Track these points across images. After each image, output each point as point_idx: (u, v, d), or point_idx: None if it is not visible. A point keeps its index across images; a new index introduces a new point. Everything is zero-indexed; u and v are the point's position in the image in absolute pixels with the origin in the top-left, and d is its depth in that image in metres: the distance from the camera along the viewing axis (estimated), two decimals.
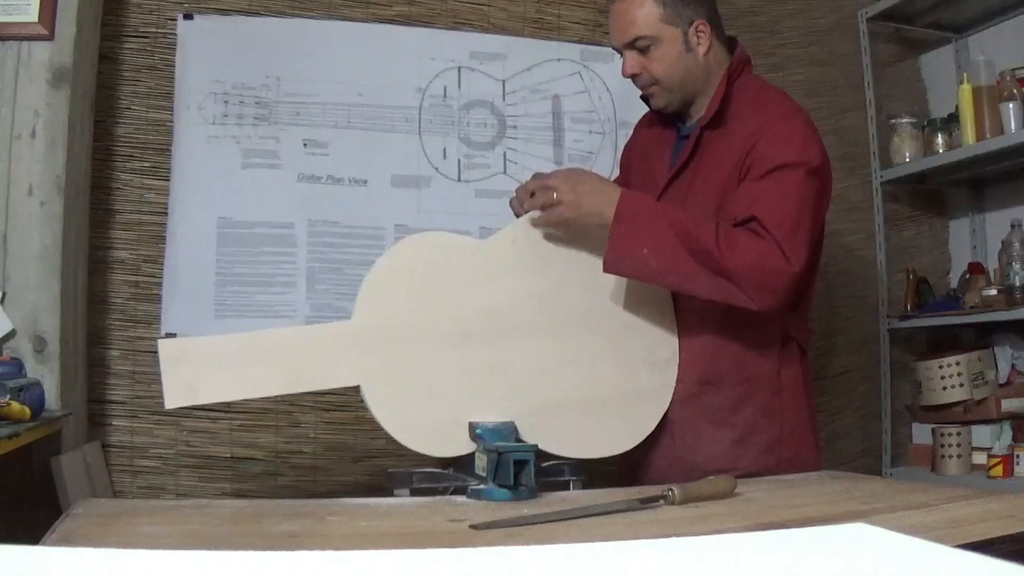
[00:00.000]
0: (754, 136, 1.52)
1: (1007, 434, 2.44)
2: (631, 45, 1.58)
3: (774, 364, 1.58)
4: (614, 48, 1.65)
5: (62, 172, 1.89)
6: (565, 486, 1.41)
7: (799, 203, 1.46)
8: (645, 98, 1.68)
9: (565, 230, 1.51)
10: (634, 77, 1.62)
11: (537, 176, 1.56)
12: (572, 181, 1.49)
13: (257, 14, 2.40)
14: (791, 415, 1.58)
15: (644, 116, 1.82)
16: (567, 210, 1.47)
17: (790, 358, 1.60)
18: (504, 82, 2.57)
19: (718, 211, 1.51)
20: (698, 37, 1.59)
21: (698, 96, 1.63)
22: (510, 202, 1.63)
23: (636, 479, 1.56)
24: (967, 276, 2.71)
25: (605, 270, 1.46)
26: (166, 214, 2.30)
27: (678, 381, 1.56)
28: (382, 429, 1.39)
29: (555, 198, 1.47)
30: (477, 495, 1.28)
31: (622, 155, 1.92)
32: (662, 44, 1.57)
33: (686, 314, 1.57)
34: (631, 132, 1.90)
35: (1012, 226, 2.55)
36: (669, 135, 1.71)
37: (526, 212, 1.54)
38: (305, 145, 2.40)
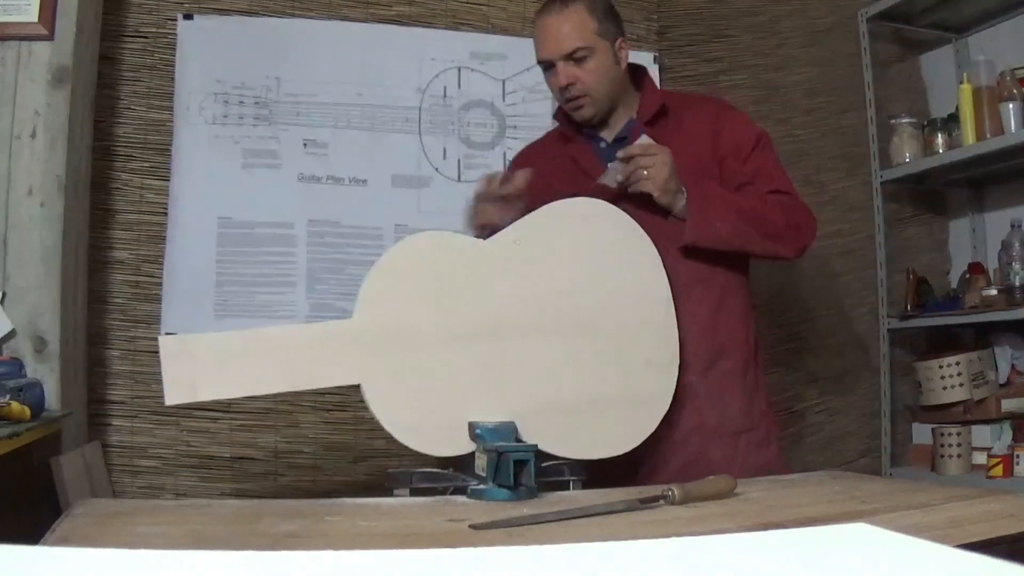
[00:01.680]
0: (714, 125, 1.72)
1: (1007, 434, 2.44)
2: (569, 56, 1.67)
3: (755, 336, 1.76)
4: (540, 62, 1.72)
5: (62, 172, 1.89)
6: (565, 486, 1.41)
7: (783, 167, 1.77)
8: (560, 119, 1.80)
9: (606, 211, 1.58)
10: (568, 87, 1.69)
11: (643, 144, 1.61)
12: (661, 163, 1.58)
13: (257, 14, 2.40)
14: (767, 384, 1.80)
15: (533, 145, 1.92)
16: (653, 185, 1.58)
17: (756, 332, 1.79)
18: (504, 82, 2.57)
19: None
20: (620, 52, 1.72)
21: (617, 106, 1.75)
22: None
23: (663, 463, 1.59)
24: (967, 276, 2.71)
25: (686, 241, 1.61)
26: (166, 214, 2.30)
27: (694, 355, 1.62)
28: (382, 429, 1.39)
29: (644, 173, 1.57)
30: (477, 495, 1.28)
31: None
32: (596, 56, 1.68)
33: (692, 289, 1.64)
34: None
35: (1012, 226, 2.54)
36: (585, 147, 1.78)
37: (613, 176, 1.61)
38: (305, 145, 2.40)
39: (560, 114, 1.81)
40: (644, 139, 1.61)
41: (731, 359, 1.69)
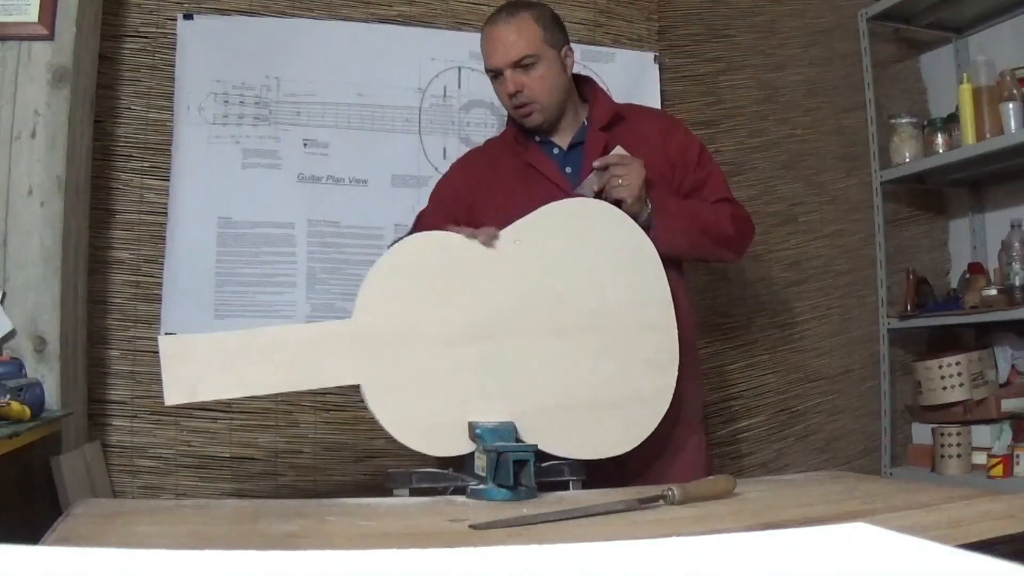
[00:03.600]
0: (663, 133, 1.82)
1: (1007, 434, 2.44)
2: (517, 64, 1.72)
3: (690, 306, 1.83)
4: (488, 70, 1.77)
5: (62, 172, 1.89)
6: (565, 486, 1.41)
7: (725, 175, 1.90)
8: (508, 129, 1.85)
9: (582, 220, 1.60)
10: (516, 95, 1.74)
11: (619, 154, 1.66)
12: (635, 173, 1.64)
13: (257, 14, 2.40)
14: None
15: (486, 150, 1.93)
16: (628, 193, 1.62)
17: None
18: None
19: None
20: (567, 60, 1.79)
21: (565, 114, 1.81)
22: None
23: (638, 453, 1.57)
24: (967, 276, 2.71)
25: (658, 247, 1.63)
26: (166, 214, 2.30)
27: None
28: (382, 429, 1.40)
29: (619, 182, 1.62)
30: (477, 495, 1.28)
31: (448, 189, 1.90)
32: (543, 63, 1.74)
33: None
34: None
35: (1012, 226, 2.54)
36: (540, 155, 1.80)
37: (589, 185, 1.65)
38: (305, 145, 2.40)
39: (512, 126, 1.85)
40: (619, 150, 1.67)
41: (686, 353, 1.67)
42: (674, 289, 1.67)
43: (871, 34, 2.79)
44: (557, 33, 1.78)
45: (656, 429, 1.54)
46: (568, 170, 1.79)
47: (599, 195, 1.64)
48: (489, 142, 1.99)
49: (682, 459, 1.70)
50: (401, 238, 1.74)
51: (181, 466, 2.27)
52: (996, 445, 2.44)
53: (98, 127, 2.21)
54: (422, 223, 1.86)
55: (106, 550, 0.53)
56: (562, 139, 1.83)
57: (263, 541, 0.98)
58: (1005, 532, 1.00)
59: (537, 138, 1.83)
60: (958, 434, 2.50)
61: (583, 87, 1.87)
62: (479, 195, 1.81)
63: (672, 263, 1.72)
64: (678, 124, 1.91)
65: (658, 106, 2.63)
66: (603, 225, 1.58)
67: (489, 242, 1.51)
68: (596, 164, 1.65)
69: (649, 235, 1.61)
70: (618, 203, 1.62)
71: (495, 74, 1.77)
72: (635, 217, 1.62)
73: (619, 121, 1.81)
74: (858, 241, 2.83)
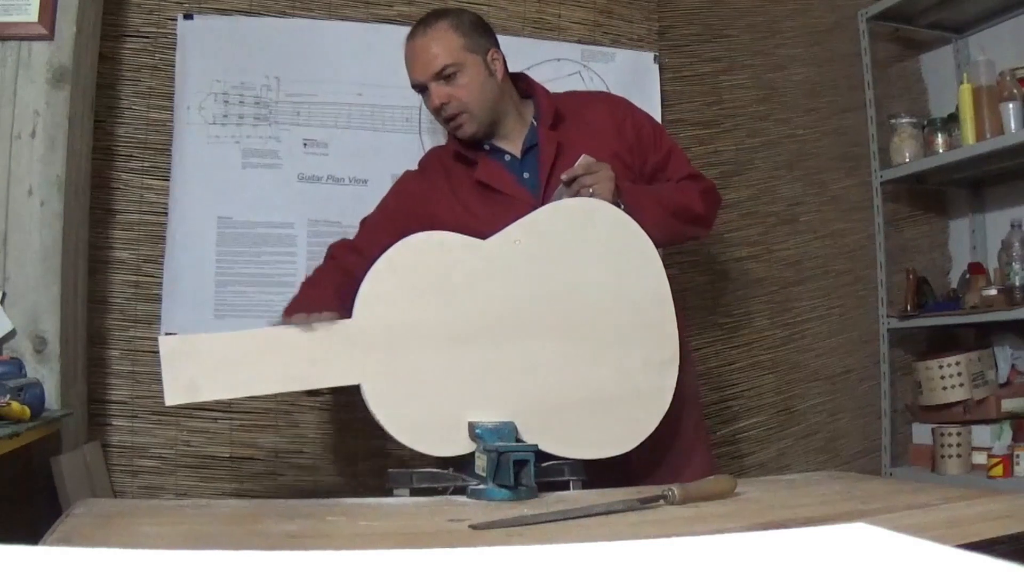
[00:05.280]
0: (614, 118, 1.78)
1: (1007, 434, 2.44)
2: (439, 75, 1.69)
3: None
4: (415, 87, 1.74)
5: (62, 172, 1.89)
6: (565, 486, 1.41)
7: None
8: (448, 144, 1.81)
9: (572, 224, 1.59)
10: (442, 107, 1.71)
11: (586, 164, 1.61)
12: (605, 179, 1.60)
13: (257, 14, 2.40)
14: None
15: (430, 165, 1.87)
16: (598, 196, 1.59)
17: None
18: None
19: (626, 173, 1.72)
20: (494, 63, 1.74)
21: (501, 118, 1.76)
22: None
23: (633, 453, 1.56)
24: (967, 276, 2.71)
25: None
26: (166, 214, 2.29)
27: None
28: (382, 429, 1.39)
29: (590, 191, 1.59)
30: (477, 495, 1.28)
31: (398, 199, 1.85)
32: (467, 71, 1.70)
33: None
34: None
35: (1012, 226, 2.55)
36: (491, 164, 1.75)
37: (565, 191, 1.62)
38: (305, 145, 2.40)
39: (453, 142, 1.80)
40: (584, 158, 1.62)
41: (685, 358, 1.68)
42: (682, 321, 1.66)
43: (871, 34, 2.79)
44: (478, 38, 1.73)
45: (663, 432, 1.54)
46: (526, 175, 1.74)
47: None
48: (435, 152, 1.91)
49: (691, 463, 1.68)
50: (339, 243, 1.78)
51: (181, 466, 2.27)
52: (996, 445, 2.44)
53: (98, 127, 2.21)
54: (365, 230, 1.82)
55: (106, 550, 0.53)
56: (512, 144, 1.78)
57: (263, 541, 0.99)
58: (1005, 532, 1.00)
59: (486, 146, 1.77)
60: (958, 434, 2.50)
61: (521, 85, 1.82)
62: (437, 208, 1.74)
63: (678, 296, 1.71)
64: (626, 106, 1.86)
65: (658, 106, 2.63)
66: (603, 225, 1.58)
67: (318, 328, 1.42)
68: (564, 178, 1.60)
69: None
70: None
71: (420, 89, 1.73)
72: None
73: (565, 116, 1.77)
74: (858, 241, 2.83)
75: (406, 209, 1.79)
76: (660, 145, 1.80)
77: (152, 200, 2.31)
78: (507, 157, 1.78)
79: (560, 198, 1.61)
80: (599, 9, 2.64)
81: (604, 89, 2.61)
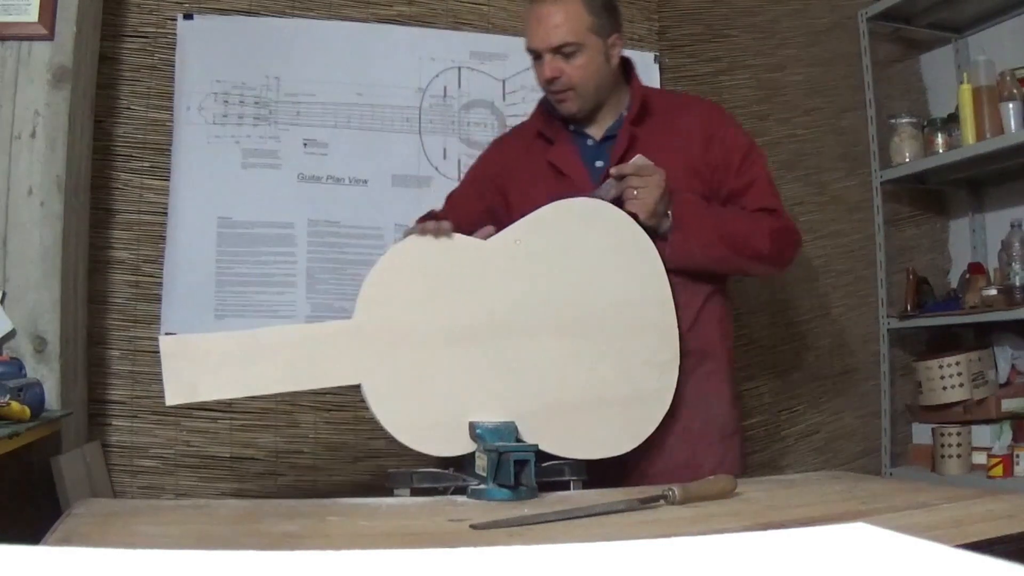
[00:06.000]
0: (706, 130, 1.69)
1: (1007, 434, 2.44)
2: (557, 50, 1.62)
3: (731, 336, 1.78)
4: (529, 50, 1.67)
5: (62, 172, 1.89)
6: (565, 486, 1.41)
7: (772, 178, 1.74)
8: (538, 116, 1.77)
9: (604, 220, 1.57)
10: (552, 81, 1.65)
11: (637, 165, 1.56)
12: (653, 186, 1.55)
13: (257, 14, 2.40)
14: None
15: (518, 134, 1.86)
16: (641, 208, 1.55)
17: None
18: (504, 82, 2.57)
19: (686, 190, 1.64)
20: (613, 49, 1.67)
21: (604, 103, 1.71)
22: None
23: (652, 467, 1.56)
24: (967, 276, 2.71)
25: (666, 265, 1.58)
26: (166, 214, 2.30)
27: (682, 357, 1.59)
28: (382, 429, 1.39)
29: (634, 194, 1.55)
30: (477, 495, 1.28)
31: (484, 170, 1.86)
32: (586, 52, 1.62)
33: (677, 292, 1.60)
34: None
35: (1012, 226, 2.54)
36: (568, 146, 1.72)
37: (602, 194, 1.58)
38: (305, 145, 2.40)
39: (541, 113, 1.77)
40: (639, 159, 1.58)
41: (715, 360, 1.68)
42: (706, 314, 1.64)
43: (871, 34, 2.79)
44: (606, 19, 1.64)
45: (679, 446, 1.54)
46: (598, 164, 1.69)
47: (616, 202, 1.57)
48: (522, 126, 1.88)
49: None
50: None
51: (181, 466, 2.27)
52: (996, 445, 2.44)
53: (98, 127, 2.21)
54: (450, 204, 1.83)
55: (106, 550, 0.53)
56: (597, 129, 1.73)
57: (263, 541, 0.98)
58: (1005, 532, 1.00)
59: (572, 127, 1.73)
60: (958, 434, 2.50)
61: (627, 72, 1.74)
62: (510, 182, 1.75)
63: (711, 287, 1.67)
64: (726, 121, 1.74)
65: None
66: (604, 224, 1.58)
67: (439, 236, 1.45)
68: (613, 172, 1.57)
69: (665, 246, 1.56)
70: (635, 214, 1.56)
71: (535, 55, 1.66)
72: (653, 229, 1.56)
73: (654, 113, 1.70)
74: (858, 241, 2.83)
75: (488, 176, 1.81)
76: (744, 171, 1.68)
77: (152, 200, 2.31)
78: (589, 142, 1.73)
79: (607, 192, 1.58)
80: None
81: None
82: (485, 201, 1.77)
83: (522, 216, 1.55)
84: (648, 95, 1.73)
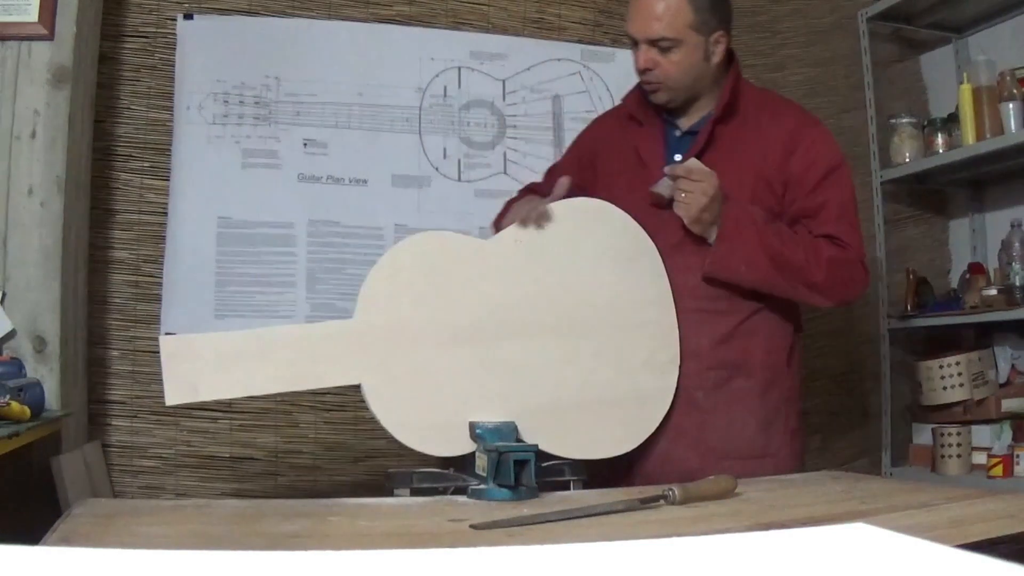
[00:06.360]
0: (790, 141, 1.60)
1: (1007, 434, 2.44)
2: (654, 42, 1.57)
3: (788, 353, 1.67)
4: (630, 35, 1.62)
5: (62, 172, 1.89)
6: (565, 486, 1.41)
7: (854, 204, 1.62)
8: (633, 96, 1.72)
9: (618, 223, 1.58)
10: (645, 71, 1.61)
11: (688, 168, 1.54)
12: (700, 192, 1.51)
13: (257, 14, 2.40)
14: (798, 404, 1.69)
15: (615, 113, 1.84)
16: (685, 213, 1.53)
17: (796, 348, 1.69)
18: (504, 82, 2.57)
19: (752, 201, 1.58)
20: (715, 47, 1.61)
21: (698, 97, 1.66)
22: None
23: (659, 474, 1.55)
24: (967, 276, 2.71)
25: (704, 273, 1.56)
26: (166, 214, 2.30)
27: (708, 368, 1.58)
28: (382, 428, 1.39)
29: (682, 197, 1.52)
30: (477, 495, 1.28)
31: (582, 144, 1.87)
32: (683, 48, 1.57)
33: (717, 302, 1.58)
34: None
35: (1012, 226, 2.54)
36: (656, 133, 1.70)
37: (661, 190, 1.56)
38: (305, 145, 2.40)
39: (637, 94, 1.71)
40: (691, 163, 1.54)
41: (749, 378, 1.61)
42: (747, 329, 1.59)
43: (871, 34, 2.79)
44: (710, 17, 1.57)
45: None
46: (677, 157, 1.64)
47: (671, 202, 1.56)
48: (619, 109, 1.84)
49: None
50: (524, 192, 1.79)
51: (181, 466, 2.27)
52: (996, 445, 2.44)
53: (98, 127, 2.21)
54: (550, 177, 1.83)
55: (106, 550, 0.53)
56: (687, 121, 1.68)
57: (263, 541, 0.98)
58: (1005, 532, 1.00)
59: (665, 114, 1.69)
60: (958, 434, 2.50)
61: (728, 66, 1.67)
62: (600, 160, 1.74)
63: (759, 304, 1.61)
64: (815, 135, 1.63)
65: None
66: (604, 225, 1.58)
67: (540, 222, 1.51)
68: (666, 171, 1.55)
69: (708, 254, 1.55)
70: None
71: (632, 41, 1.61)
72: (702, 235, 1.55)
73: (742, 112, 1.63)
74: None
75: (584, 152, 1.82)
76: (819, 192, 1.59)
77: (152, 200, 2.31)
78: (677, 132, 1.69)
79: (665, 190, 1.56)
80: (599, 9, 2.65)
81: (604, 89, 2.61)
82: (582, 175, 1.75)
83: (604, 195, 1.58)
84: (742, 94, 1.66)
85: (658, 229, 1.59)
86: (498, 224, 1.68)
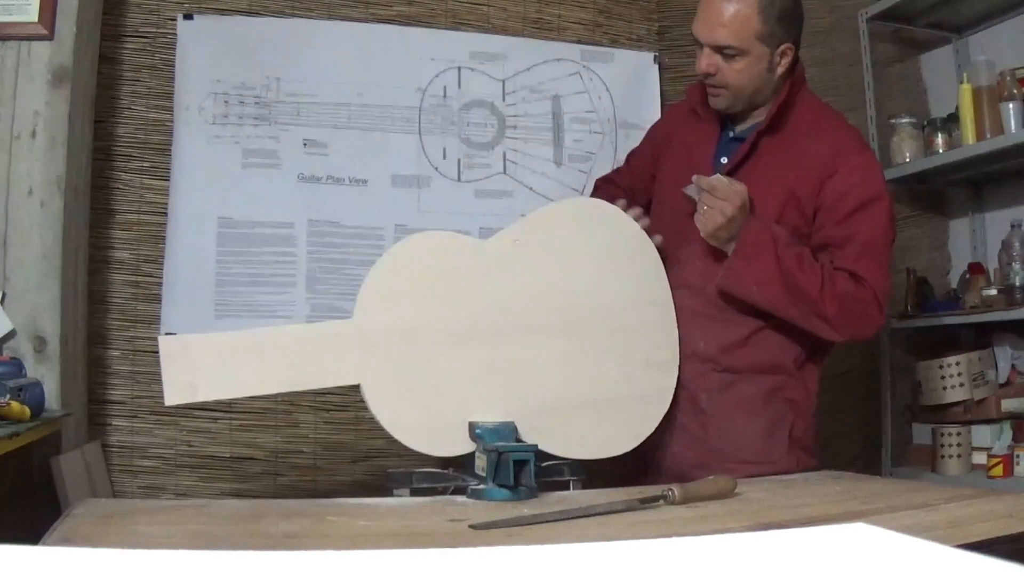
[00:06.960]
0: (828, 166, 1.56)
1: (1007, 434, 2.44)
2: (718, 49, 1.55)
3: (800, 360, 1.62)
4: (694, 35, 1.60)
5: (62, 172, 1.89)
6: (565, 486, 1.41)
7: (884, 240, 1.57)
8: (697, 91, 1.72)
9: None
10: (707, 75, 1.60)
11: (712, 184, 1.53)
12: (719, 211, 1.51)
13: (257, 14, 2.40)
14: (809, 412, 1.63)
15: (683, 104, 1.84)
16: (701, 227, 1.54)
17: (813, 356, 1.64)
18: (504, 82, 2.57)
19: (779, 218, 1.57)
20: (781, 59, 1.58)
21: (759, 105, 1.65)
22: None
23: (660, 474, 1.56)
24: (967, 276, 2.71)
25: (716, 286, 1.56)
26: (166, 214, 2.30)
27: (712, 371, 1.58)
28: (382, 429, 1.39)
29: (703, 210, 1.52)
30: (477, 495, 1.28)
31: (655, 131, 1.92)
32: (747, 58, 1.55)
33: (734, 307, 1.58)
34: (662, 115, 2.05)
35: (1012, 226, 2.54)
36: (712, 131, 1.70)
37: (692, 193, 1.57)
38: (305, 145, 2.40)
39: (700, 92, 1.70)
40: (716, 179, 1.53)
41: (754, 384, 1.59)
42: (759, 340, 1.58)
43: (871, 34, 2.79)
44: (779, 29, 1.54)
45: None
46: (723, 160, 1.65)
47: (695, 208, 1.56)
48: (684, 102, 1.85)
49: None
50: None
51: (181, 466, 2.27)
52: (996, 445, 2.44)
53: (98, 127, 2.21)
54: (628, 163, 1.95)
55: (106, 550, 0.53)
56: (741, 127, 1.67)
57: (263, 541, 0.98)
58: (1005, 532, 1.00)
59: (724, 115, 1.68)
60: (958, 434, 2.50)
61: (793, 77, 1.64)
62: (663, 149, 1.78)
63: (774, 319, 1.58)
64: (854, 162, 1.57)
65: (658, 105, 2.63)
66: (603, 225, 1.58)
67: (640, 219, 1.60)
68: (694, 179, 1.54)
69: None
70: None
71: (696, 42, 1.59)
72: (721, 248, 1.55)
73: (791, 125, 1.61)
74: None
75: (654, 140, 1.86)
76: (848, 224, 1.54)
77: (152, 200, 2.31)
78: (731, 134, 1.68)
79: (692, 193, 1.56)
80: (599, 9, 2.65)
81: (604, 89, 2.61)
82: (654, 165, 1.82)
83: (658, 186, 1.67)
84: (792, 107, 1.62)
85: (690, 228, 1.58)
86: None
